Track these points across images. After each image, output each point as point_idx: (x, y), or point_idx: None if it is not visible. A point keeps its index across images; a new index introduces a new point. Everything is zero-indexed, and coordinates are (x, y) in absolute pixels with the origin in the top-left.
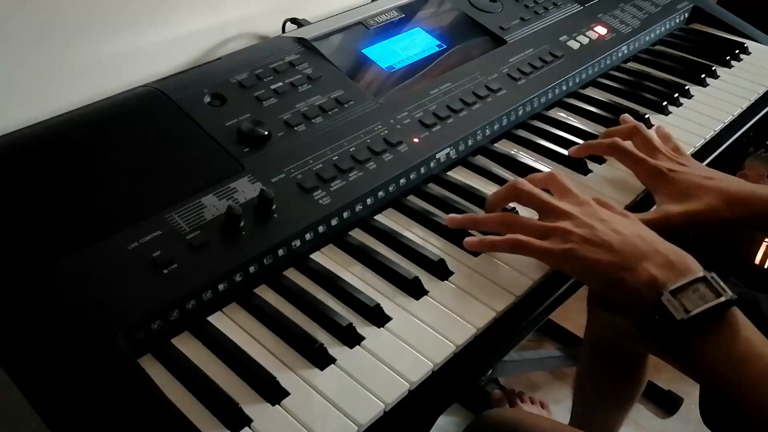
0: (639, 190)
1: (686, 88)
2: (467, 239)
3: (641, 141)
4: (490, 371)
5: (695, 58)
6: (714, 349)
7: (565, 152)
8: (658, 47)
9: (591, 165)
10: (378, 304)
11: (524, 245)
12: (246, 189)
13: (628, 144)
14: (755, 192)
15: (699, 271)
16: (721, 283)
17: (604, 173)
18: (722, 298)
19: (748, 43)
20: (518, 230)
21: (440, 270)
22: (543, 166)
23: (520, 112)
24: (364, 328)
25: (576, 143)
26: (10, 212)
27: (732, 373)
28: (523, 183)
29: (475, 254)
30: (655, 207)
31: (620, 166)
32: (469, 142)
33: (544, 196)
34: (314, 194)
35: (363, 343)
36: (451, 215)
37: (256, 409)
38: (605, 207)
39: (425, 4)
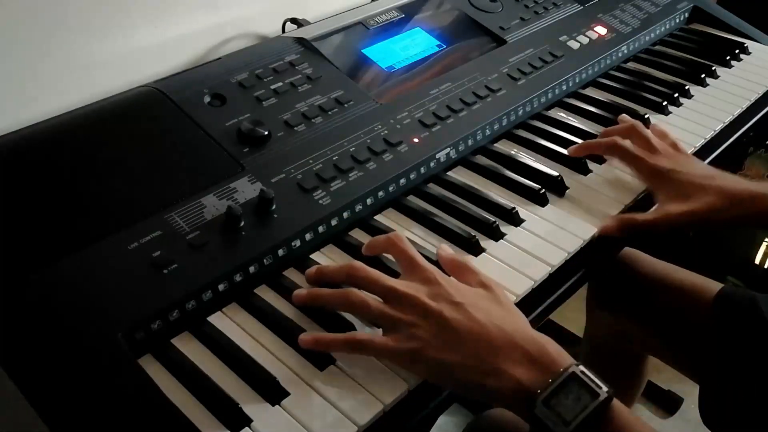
0: (639, 190)
1: (686, 88)
2: (300, 337)
3: (640, 140)
4: None
5: (695, 58)
6: None
7: (565, 152)
8: (658, 47)
9: (591, 165)
10: None
11: (364, 345)
12: (246, 189)
13: (627, 143)
14: (755, 190)
15: (565, 365)
16: (593, 377)
17: (604, 173)
18: (600, 398)
19: (748, 43)
20: (361, 313)
21: (440, 270)
22: (543, 167)
23: (520, 112)
24: (364, 329)
25: (576, 143)
26: (10, 212)
27: None
28: (360, 268)
29: (476, 254)
30: (655, 206)
31: (620, 166)
32: (469, 142)
33: (385, 279)
34: (314, 194)
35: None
36: (297, 291)
37: (256, 409)
38: (462, 276)
39: (425, 4)
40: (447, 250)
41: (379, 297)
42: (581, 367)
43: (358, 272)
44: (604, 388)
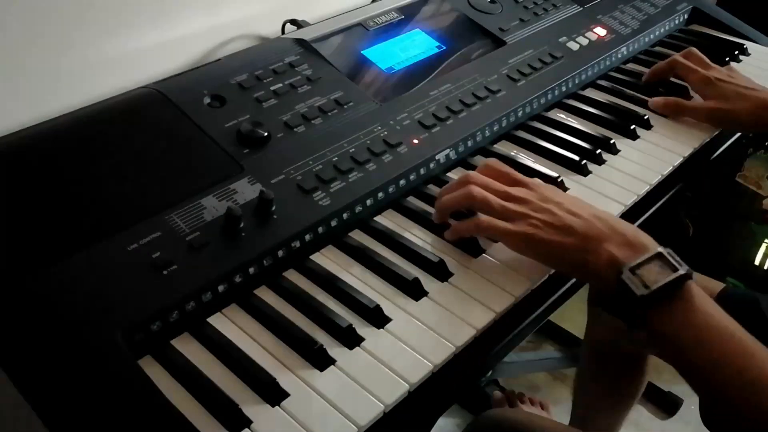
0: (639, 191)
1: (686, 88)
2: (446, 233)
3: (695, 57)
4: (490, 372)
5: None
6: (673, 321)
7: (564, 152)
8: (657, 48)
9: (591, 166)
10: (378, 305)
11: (485, 227)
12: (246, 190)
13: (684, 60)
14: None
15: (655, 248)
16: (677, 258)
17: (604, 174)
18: (679, 272)
19: (748, 44)
20: (483, 206)
21: (440, 271)
22: (543, 167)
23: (520, 114)
24: (363, 329)
25: (576, 144)
26: (10, 213)
27: (692, 345)
28: (475, 190)
29: (475, 255)
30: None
31: (619, 166)
32: (469, 144)
33: (497, 185)
34: (314, 195)
35: (363, 344)
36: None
37: (255, 410)
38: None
39: (425, 5)
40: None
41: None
42: (669, 250)
43: (475, 177)
44: (685, 267)
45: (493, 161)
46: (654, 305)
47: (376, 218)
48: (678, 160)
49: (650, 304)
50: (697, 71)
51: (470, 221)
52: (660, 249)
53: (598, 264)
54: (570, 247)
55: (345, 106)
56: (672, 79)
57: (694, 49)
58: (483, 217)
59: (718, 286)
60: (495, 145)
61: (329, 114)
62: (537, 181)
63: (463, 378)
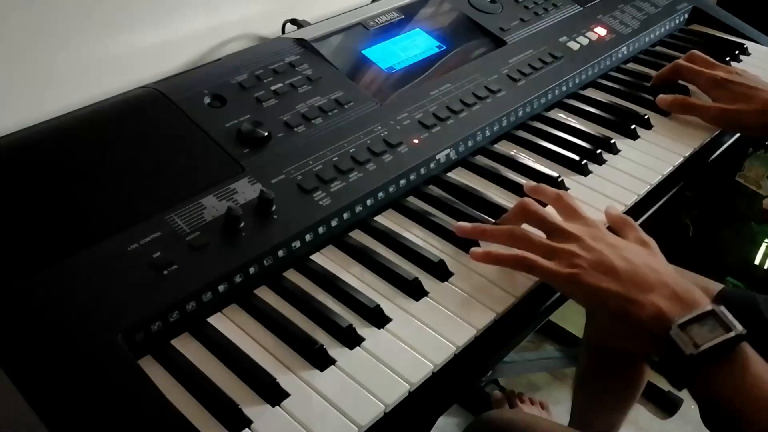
0: (639, 191)
1: (687, 89)
2: (474, 249)
3: (700, 60)
4: (490, 372)
5: None
6: (723, 385)
7: (564, 152)
8: (657, 48)
9: (591, 166)
10: (378, 305)
11: (530, 264)
12: (246, 190)
13: (688, 63)
14: None
15: (707, 305)
16: (731, 317)
17: (604, 174)
18: (732, 333)
19: (748, 44)
20: (525, 247)
21: (440, 271)
22: (543, 167)
23: (520, 113)
24: (364, 329)
25: (576, 144)
26: (10, 214)
27: (741, 410)
28: (531, 204)
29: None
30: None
31: (620, 166)
32: (469, 143)
33: (551, 216)
34: (314, 195)
35: (363, 344)
36: (461, 223)
37: (256, 410)
38: (623, 230)
39: (425, 5)
40: (615, 208)
41: (545, 232)
42: (722, 308)
43: (530, 206)
44: (739, 327)
45: (564, 194)
46: (703, 366)
47: (376, 218)
48: (678, 160)
49: (699, 365)
50: (702, 73)
51: (514, 254)
52: (712, 306)
53: (643, 316)
54: (611, 292)
55: (345, 106)
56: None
57: (696, 51)
58: (528, 255)
59: (717, 286)
60: (495, 145)
61: (329, 114)
62: (597, 223)
63: (463, 378)
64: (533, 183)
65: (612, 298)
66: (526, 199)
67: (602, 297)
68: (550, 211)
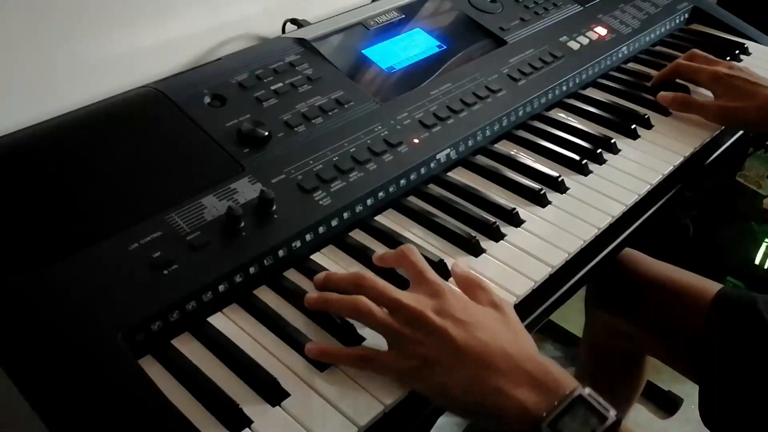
0: (640, 190)
1: (687, 88)
2: (307, 346)
3: (700, 57)
4: None
5: None
6: None
7: (565, 152)
8: (658, 48)
9: (591, 166)
10: None
11: (370, 360)
12: (246, 190)
13: (689, 62)
14: None
15: (572, 387)
16: (600, 400)
17: (605, 174)
18: (608, 421)
19: (748, 43)
20: (367, 323)
21: (440, 271)
22: (544, 167)
23: (520, 113)
24: (364, 329)
25: (576, 143)
26: (11, 213)
27: None
28: (368, 278)
29: (476, 254)
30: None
31: (620, 166)
32: (470, 143)
33: (391, 291)
34: (314, 195)
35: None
36: (308, 295)
37: (256, 410)
38: (473, 293)
39: (425, 4)
40: (461, 265)
41: (386, 308)
42: (588, 390)
43: (366, 282)
44: (612, 412)
45: (408, 250)
46: None
47: (376, 218)
48: (678, 160)
49: None
50: (704, 70)
51: (352, 350)
52: (579, 390)
53: (503, 412)
54: (462, 387)
55: (345, 106)
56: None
57: (696, 50)
58: (364, 351)
59: (717, 286)
60: (495, 145)
61: (330, 113)
62: (445, 287)
63: None
64: (378, 253)
65: (460, 391)
66: (362, 272)
67: (450, 391)
68: (389, 289)
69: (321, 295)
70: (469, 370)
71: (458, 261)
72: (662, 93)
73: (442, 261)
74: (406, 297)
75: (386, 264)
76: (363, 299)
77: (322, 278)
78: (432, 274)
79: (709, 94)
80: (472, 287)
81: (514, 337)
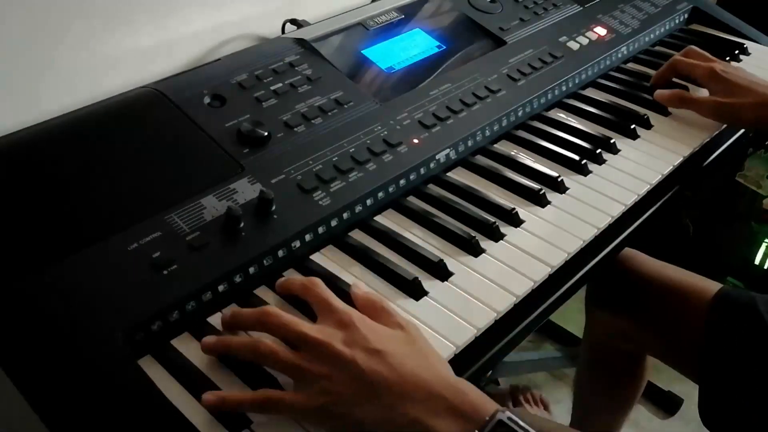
0: (640, 190)
1: (687, 88)
2: (204, 396)
3: (696, 54)
4: (490, 372)
5: None
6: None
7: (564, 152)
8: (657, 48)
9: (591, 166)
10: None
11: (275, 403)
12: (246, 190)
13: (685, 58)
14: None
15: (491, 412)
16: (522, 423)
17: (604, 174)
18: None
19: (748, 43)
20: (271, 365)
21: (440, 271)
22: (543, 167)
23: (520, 113)
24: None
25: (576, 144)
26: (11, 213)
27: None
28: (272, 313)
29: (476, 255)
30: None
31: (620, 166)
32: (469, 143)
33: (296, 325)
34: (314, 195)
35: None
36: (206, 338)
37: None
38: (378, 317)
39: (425, 5)
40: (361, 287)
41: (292, 344)
42: (508, 413)
43: (270, 317)
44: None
45: (312, 282)
46: None
47: (376, 218)
48: (678, 160)
49: None
50: (699, 66)
51: (254, 394)
52: (499, 415)
53: None
54: (376, 422)
55: (345, 106)
56: (675, 80)
57: (693, 47)
58: (270, 393)
59: (715, 286)
60: (495, 145)
61: (329, 114)
62: (353, 315)
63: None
64: (282, 279)
65: (375, 426)
66: (267, 308)
67: (363, 426)
68: (294, 322)
69: (219, 338)
70: (384, 402)
71: (357, 282)
72: (659, 91)
73: (442, 261)
74: (312, 330)
75: (289, 292)
76: (262, 341)
77: (228, 317)
78: (339, 303)
79: (706, 92)
80: (375, 310)
81: (426, 361)
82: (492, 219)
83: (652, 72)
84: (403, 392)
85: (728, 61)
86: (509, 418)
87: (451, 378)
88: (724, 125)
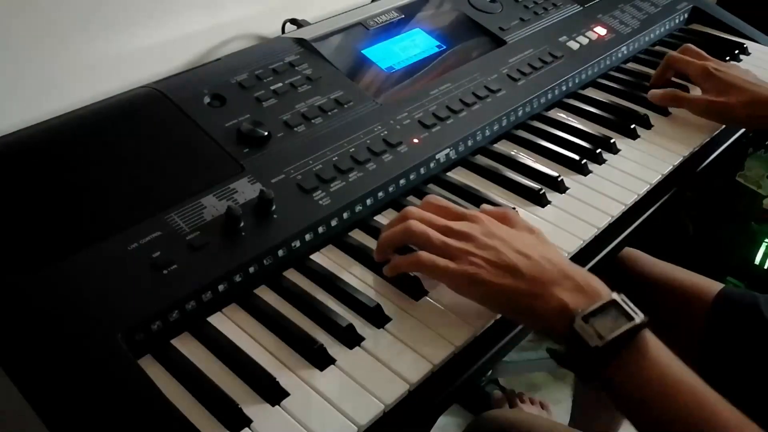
0: (640, 190)
1: (687, 88)
2: (384, 268)
3: (691, 51)
4: (490, 372)
5: None
6: (628, 374)
7: (564, 152)
8: (657, 48)
9: (591, 166)
10: (378, 305)
11: (425, 264)
12: (246, 189)
13: (680, 54)
14: None
15: (608, 295)
16: (632, 305)
17: (604, 174)
18: (635, 321)
19: (748, 43)
20: (423, 242)
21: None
22: (543, 167)
23: (520, 113)
24: (363, 329)
25: (576, 143)
26: (11, 213)
27: (647, 399)
28: (414, 225)
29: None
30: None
31: (620, 166)
32: (469, 143)
33: (439, 220)
34: (314, 195)
35: (363, 343)
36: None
37: (255, 409)
38: (505, 221)
39: (425, 4)
40: (488, 206)
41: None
42: (622, 296)
43: (413, 211)
44: (641, 315)
45: (432, 197)
46: (608, 357)
47: (376, 218)
48: (678, 160)
49: (605, 356)
50: (693, 63)
51: (411, 256)
52: (614, 296)
53: (547, 310)
54: (515, 290)
55: (345, 106)
56: (674, 79)
57: (690, 45)
58: (423, 254)
59: (716, 286)
60: (495, 145)
61: (329, 113)
62: (483, 215)
63: (463, 377)
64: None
65: (515, 295)
66: (408, 222)
67: (505, 295)
68: (435, 217)
69: (379, 240)
70: (522, 276)
71: (483, 205)
72: (652, 91)
73: None
74: (454, 223)
75: (424, 207)
76: (414, 222)
77: (379, 240)
78: (464, 210)
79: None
80: (503, 217)
81: (554, 251)
82: None
83: (652, 72)
84: (540, 270)
85: (728, 60)
86: (622, 299)
87: (578, 267)
88: (724, 125)
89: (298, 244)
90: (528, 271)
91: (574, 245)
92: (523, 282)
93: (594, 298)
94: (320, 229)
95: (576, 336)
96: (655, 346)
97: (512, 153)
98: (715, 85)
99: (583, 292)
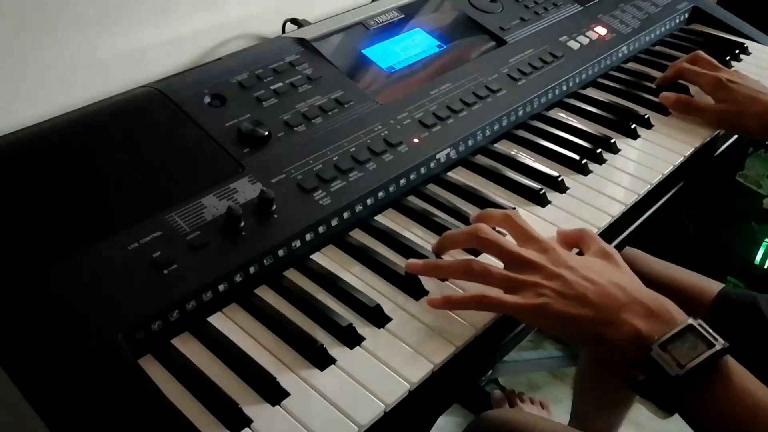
0: (640, 190)
1: (687, 88)
2: (429, 299)
3: (703, 62)
4: (490, 371)
5: None
6: (712, 402)
7: (565, 151)
8: (658, 48)
9: (591, 165)
10: (378, 305)
11: (493, 302)
12: (246, 189)
13: (691, 66)
14: None
15: (684, 319)
16: (710, 330)
17: (605, 174)
18: (716, 347)
19: (748, 43)
20: (485, 282)
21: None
22: (543, 167)
23: (520, 113)
24: (364, 329)
25: (576, 143)
26: (11, 213)
27: (734, 426)
28: (485, 230)
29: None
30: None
31: (620, 166)
32: (469, 143)
33: (508, 244)
34: (314, 195)
35: (363, 343)
36: (411, 260)
37: (256, 409)
38: (581, 244)
39: (425, 4)
40: (565, 230)
41: (502, 261)
42: (699, 321)
43: (486, 234)
44: (720, 341)
45: (513, 213)
46: (690, 385)
47: (376, 217)
48: (679, 160)
49: (685, 384)
50: (706, 75)
51: (474, 295)
52: (691, 321)
53: (620, 339)
54: (583, 318)
55: (345, 106)
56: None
57: (700, 53)
58: (489, 293)
59: (717, 286)
60: (495, 144)
61: (329, 113)
62: (554, 243)
63: (463, 377)
64: (480, 211)
65: (585, 323)
66: (479, 225)
67: (575, 324)
68: (506, 241)
69: (428, 261)
70: (592, 304)
71: (558, 230)
72: (665, 93)
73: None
74: (522, 250)
75: (491, 223)
76: (475, 260)
77: (439, 241)
78: (538, 233)
79: (709, 98)
80: (579, 240)
81: (626, 276)
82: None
83: (652, 72)
84: (610, 297)
85: (729, 61)
86: (699, 324)
87: (651, 291)
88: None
89: (298, 243)
90: (597, 298)
91: None
92: (591, 310)
93: (669, 323)
94: (320, 229)
95: (654, 364)
96: (738, 372)
97: (512, 153)
98: (728, 96)
99: (657, 317)
